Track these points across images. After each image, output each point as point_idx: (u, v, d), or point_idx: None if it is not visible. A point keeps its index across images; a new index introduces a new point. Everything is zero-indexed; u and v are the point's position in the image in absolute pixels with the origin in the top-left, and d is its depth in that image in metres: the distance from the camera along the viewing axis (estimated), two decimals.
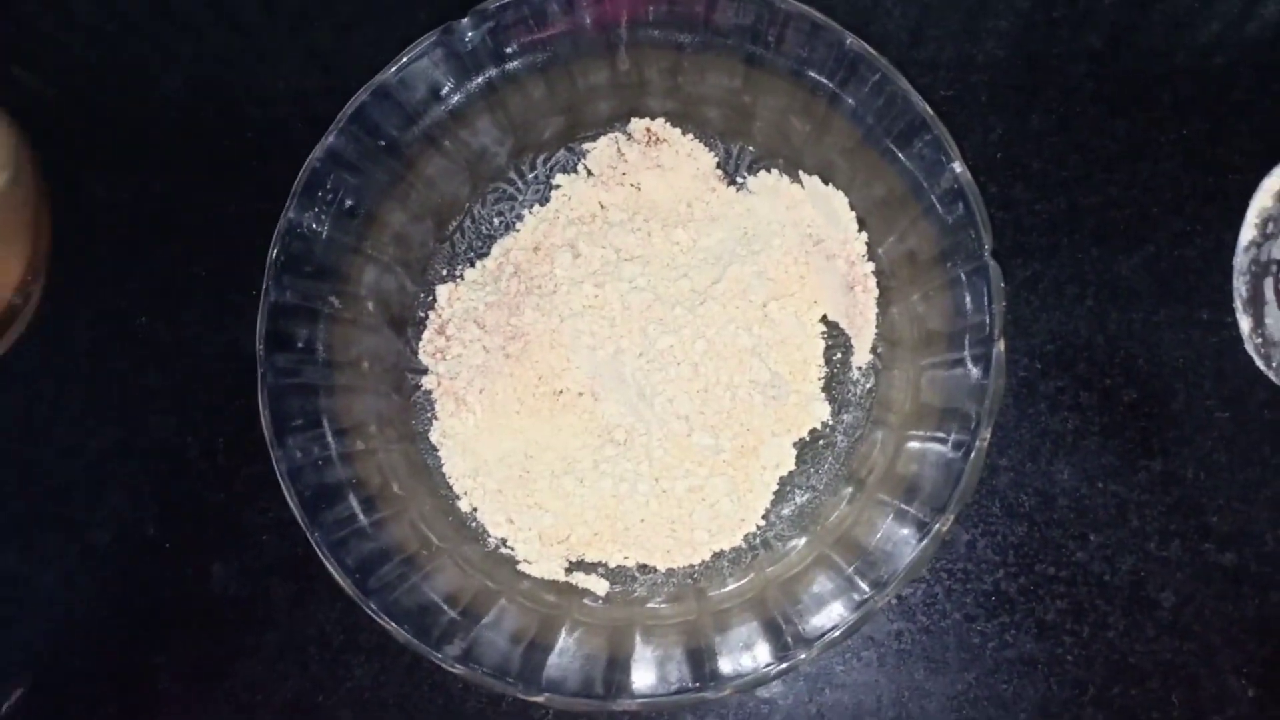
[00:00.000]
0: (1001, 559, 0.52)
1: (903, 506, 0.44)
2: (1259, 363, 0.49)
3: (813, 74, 0.47)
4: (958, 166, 0.44)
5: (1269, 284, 0.48)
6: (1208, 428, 0.52)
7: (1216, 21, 0.55)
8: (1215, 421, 0.52)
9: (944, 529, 0.42)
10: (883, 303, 0.51)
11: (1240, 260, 0.49)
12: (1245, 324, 0.49)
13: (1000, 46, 0.56)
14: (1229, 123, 0.54)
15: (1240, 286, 0.49)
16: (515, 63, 0.48)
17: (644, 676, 0.44)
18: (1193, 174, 0.54)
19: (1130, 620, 0.51)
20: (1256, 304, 0.48)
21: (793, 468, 0.51)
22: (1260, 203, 0.49)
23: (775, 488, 0.51)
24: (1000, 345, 0.42)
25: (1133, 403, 0.52)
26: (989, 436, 0.42)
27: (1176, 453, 0.52)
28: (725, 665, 0.43)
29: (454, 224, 0.54)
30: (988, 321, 0.43)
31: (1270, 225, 0.47)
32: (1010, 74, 0.55)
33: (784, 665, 0.42)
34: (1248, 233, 0.49)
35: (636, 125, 0.53)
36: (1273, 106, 0.54)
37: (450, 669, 0.43)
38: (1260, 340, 0.48)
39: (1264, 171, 0.52)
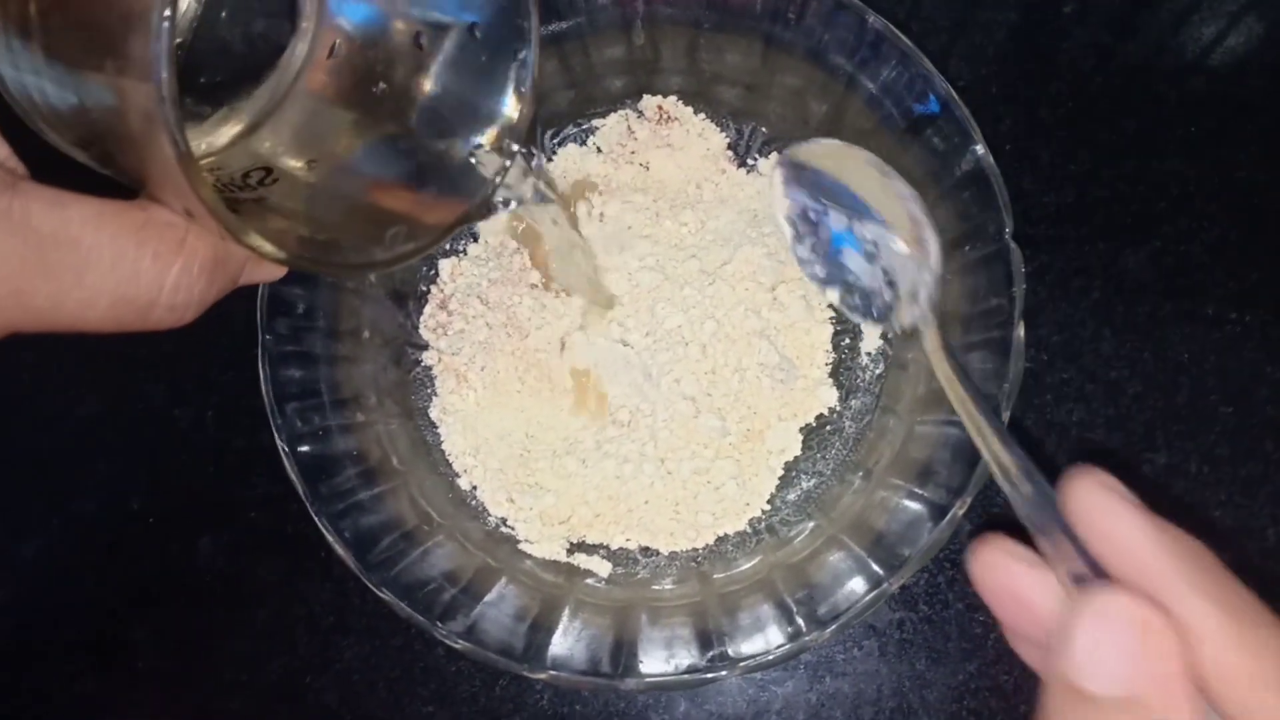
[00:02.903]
0: None
1: (916, 490, 0.44)
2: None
3: (832, 54, 0.46)
4: (980, 149, 0.44)
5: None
6: (1211, 422, 0.52)
7: (1224, 19, 0.55)
8: (1219, 416, 0.52)
9: (961, 511, 0.42)
10: None
11: (800, 251, 0.44)
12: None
13: (1011, 39, 0.56)
14: (1235, 121, 0.55)
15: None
16: None
17: (652, 656, 0.43)
18: (1198, 170, 0.54)
19: None
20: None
21: (799, 453, 0.51)
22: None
23: (781, 473, 0.51)
24: (1020, 328, 0.42)
25: (1137, 395, 0.52)
26: (1008, 418, 0.42)
27: (1180, 446, 0.52)
28: (736, 647, 0.42)
29: None
30: (1007, 304, 0.42)
31: (811, 214, 0.43)
32: (1021, 66, 0.55)
33: (797, 645, 0.42)
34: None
35: (648, 103, 0.53)
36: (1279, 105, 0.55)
37: (453, 645, 0.42)
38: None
39: (1274, 169, 0.53)
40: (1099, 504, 0.24)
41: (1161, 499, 0.51)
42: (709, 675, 0.42)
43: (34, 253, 0.25)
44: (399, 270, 0.51)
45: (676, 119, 0.53)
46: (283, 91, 0.37)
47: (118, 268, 0.26)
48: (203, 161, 0.34)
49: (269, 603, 0.52)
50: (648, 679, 0.42)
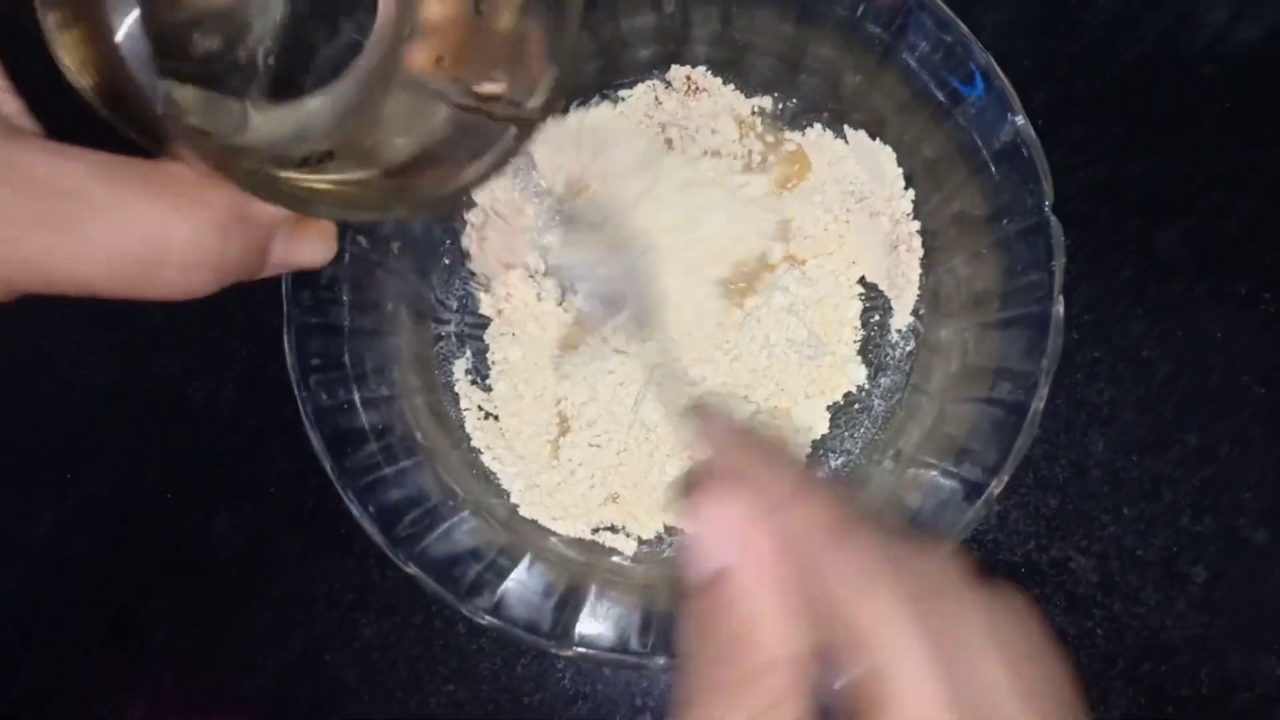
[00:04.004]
0: (1033, 530, 0.51)
1: (950, 468, 0.43)
2: None
3: (868, 23, 0.45)
4: (1020, 120, 0.43)
5: None
6: (1243, 403, 0.51)
7: None
8: (1251, 397, 0.51)
9: (998, 490, 0.41)
10: (926, 263, 0.49)
11: None
12: None
13: (1044, 11, 0.55)
14: (1271, 97, 0.54)
15: None
16: None
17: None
18: (1234, 147, 0.53)
19: (1162, 595, 0.50)
20: None
21: (826, 431, 0.50)
22: None
23: (808, 451, 0.50)
24: (1060, 304, 0.41)
25: (1169, 376, 0.52)
26: (1046, 395, 0.41)
27: (1211, 428, 0.51)
28: None
29: None
30: (1046, 279, 0.42)
31: None
32: (1054, 39, 0.54)
33: None
34: None
35: (677, 73, 0.52)
36: None
37: (480, 621, 0.41)
38: None
39: None
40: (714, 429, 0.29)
41: (1192, 481, 0.51)
42: None
43: (30, 201, 0.24)
44: (421, 242, 0.50)
45: (705, 90, 0.52)
46: (359, 82, 0.36)
47: (117, 216, 0.25)
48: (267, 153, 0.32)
49: (287, 579, 0.52)
50: (680, 657, 0.41)
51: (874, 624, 0.24)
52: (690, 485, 0.27)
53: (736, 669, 0.24)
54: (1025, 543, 0.51)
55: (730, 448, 0.28)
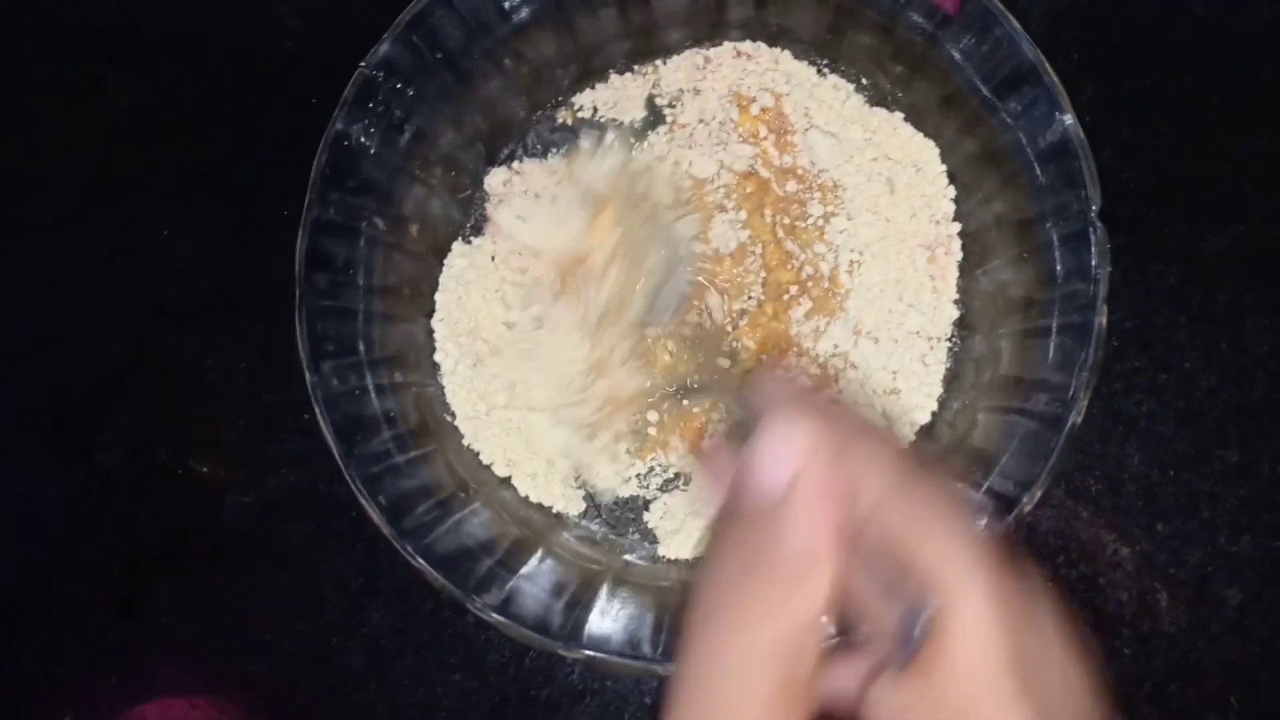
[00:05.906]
0: (1062, 544, 0.49)
1: (979, 480, 0.42)
2: None
3: (911, 13, 0.43)
4: (1068, 119, 0.41)
5: None
6: None
7: None
8: None
9: (1028, 507, 0.39)
10: (963, 266, 0.47)
11: None
12: None
13: (1094, 3, 0.53)
14: None
15: None
16: None
17: None
18: None
19: (1193, 616, 0.49)
20: None
21: None
22: None
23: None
24: (1104, 314, 0.39)
25: (1211, 388, 0.50)
26: (1084, 409, 0.39)
27: (1253, 444, 0.49)
28: None
29: (506, 150, 0.50)
30: (1090, 288, 0.40)
31: None
32: (1105, 33, 0.52)
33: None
34: None
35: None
36: None
37: (487, 618, 0.40)
38: None
39: None
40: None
41: (1231, 499, 0.49)
42: None
43: None
44: (440, 223, 0.49)
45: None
46: None
47: None
48: None
49: (296, 563, 0.51)
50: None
51: (939, 565, 0.24)
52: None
53: (778, 582, 0.25)
54: (1054, 556, 0.49)
55: (794, 391, 0.29)
